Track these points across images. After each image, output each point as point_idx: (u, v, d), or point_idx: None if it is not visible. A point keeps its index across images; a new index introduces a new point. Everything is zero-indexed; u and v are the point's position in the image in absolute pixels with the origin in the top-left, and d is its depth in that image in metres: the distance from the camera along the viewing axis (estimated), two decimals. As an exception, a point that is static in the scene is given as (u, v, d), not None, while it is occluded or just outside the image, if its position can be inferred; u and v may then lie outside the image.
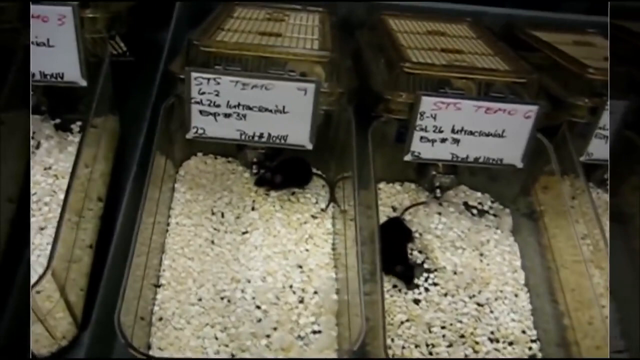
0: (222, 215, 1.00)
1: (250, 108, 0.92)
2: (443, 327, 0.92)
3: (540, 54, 1.10)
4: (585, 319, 0.92)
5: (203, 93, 0.91)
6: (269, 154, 1.02)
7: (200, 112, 0.93)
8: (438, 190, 1.02)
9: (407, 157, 0.96)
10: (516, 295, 0.97)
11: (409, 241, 0.98)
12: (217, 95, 0.91)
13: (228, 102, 0.92)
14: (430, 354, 0.90)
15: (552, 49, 1.09)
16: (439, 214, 1.04)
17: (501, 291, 0.97)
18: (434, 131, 0.94)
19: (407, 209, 1.05)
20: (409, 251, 0.99)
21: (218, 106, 0.92)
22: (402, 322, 0.92)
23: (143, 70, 1.10)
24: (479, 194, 1.08)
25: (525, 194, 1.05)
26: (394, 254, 0.95)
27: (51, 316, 0.74)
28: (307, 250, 0.97)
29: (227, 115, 0.93)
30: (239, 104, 0.92)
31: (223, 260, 0.95)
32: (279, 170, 1.02)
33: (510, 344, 0.92)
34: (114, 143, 0.99)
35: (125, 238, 0.87)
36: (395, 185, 1.07)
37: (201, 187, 1.03)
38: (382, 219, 1.02)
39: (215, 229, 0.98)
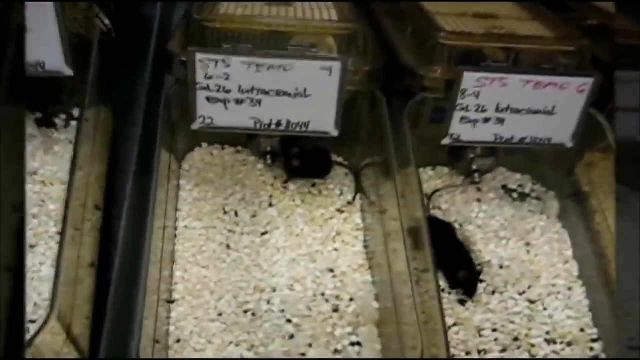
0: (236, 214, 0.88)
1: (265, 92, 0.80)
2: (494, 330, 0.82)
3: (579, 14, 0.99)
4: (648, 310, 0.83)
5: (210, 77, 0.78)
6: (284, 142, 0.89)
7: (207, 98, 0.80)
8: (476, 175, 0.92)
9: (446, 140, 0.85)
10: (570, 289, 0.87)
11: (455, 238, 0.87)
12: (226, 78, 0.78)
13: (239, 86, 0.79)
14: (483, 361, 0.80)
15: (593, 8, 0.98)
16: (478, 200, 0.93)
17: (553, 285, 0.87)
18: (476, 110, 0.83)
19: (434, 191, 0.93)
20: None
21: (228, 91, 0.79)
22: (449, 327, 0.82)
23: (131, 51, 0.96)
24: (518, 176, 0.98)
25: (569, 173, 0.95)
26: (452, 256, 0.84)
27: (55, 356, 0.62)
28: (335, 250, 0.86)
29: (238, 101, 0.80)
30: (252, 88, 0.79)
31: (242, 267, 0.83)
32: (297, 158, 0.90)
33: (569, 344, 0.83)
34: (108, 139, 0.86)
35: (132, 249, 0.76)
36: (426, 170, 0.96)
37: (209, 183, 0.91)
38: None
39: (229, 230, 0.86)
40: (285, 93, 0.80)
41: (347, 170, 0.93)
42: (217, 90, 0.79)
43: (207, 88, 0.79)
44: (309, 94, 0.80)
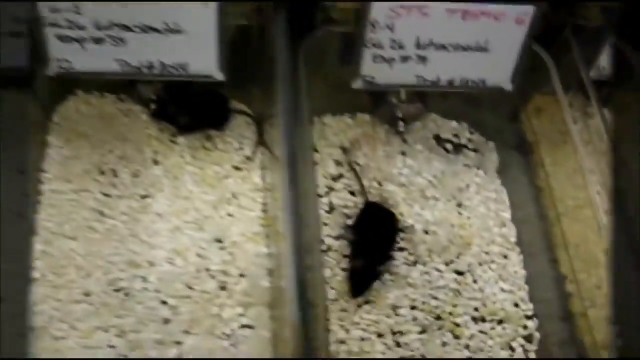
0: (115, 175, 0.74)
1: (129, 28, 0.65)
2: (413, 308, 0.70)
3: None
4: (593, 282, 0.71)
5: (58, 10, 0.64)
6: (172, 87, 0.75)
7: (60, 37, 0.65)
8: (401, 123, 0.78)
9: (357, 84, 0.71)
10: (506, 257, 0.75)
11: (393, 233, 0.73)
12: (77, 12, 0.64)
13: (96, 21, 0.64)
14: (398, 344, 0.69)
15: None
16: (403, 154, 0.80)
17: (487, 253, 0.74)
18: (392, 47, 0.68)
19: (353, 143, 0.79)
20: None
21: (83, 28, 0.65)
22: (359, 305, 0.70)
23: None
24: (453, 123, 0.83)
25: (513, 119, 0.81)
26: (365, 241, 0.71)
27: None
28: (229, 215, 0.73)
29: (98, 41, 0.66)
30: (112, 24, 0.65)
31: (117, 238, 0.70)
32: (185, 107, 0.76)
33: (500, 322, 0.71)
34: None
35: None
36: (344, 118, 0.81)
37: (84, 138, 0.76)
38: (329, 163, 0.77)
39: (105, 194, 0.73)
40: (153, 29, 0.65)
41: (249, 120, 0.79)
42: (70, 28, 0.65)
43: (56, 25, 0.64)
44: (183, 30, 0.65)
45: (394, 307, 0.70)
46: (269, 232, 0.71)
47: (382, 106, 0.77)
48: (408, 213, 0.75)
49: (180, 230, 0.71)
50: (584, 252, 0.72)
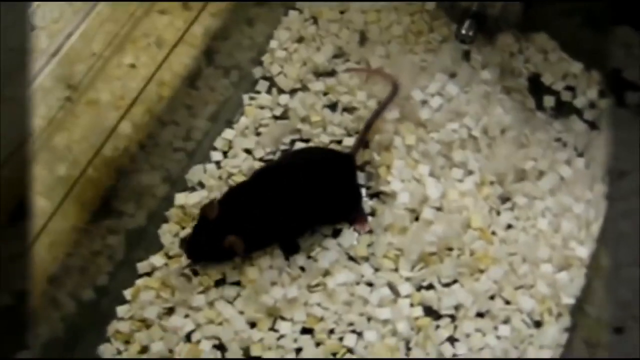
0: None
1: None
2: (306, 331, 0.37)
3: None
4: None
5: None
6: None
7: None
8: (469, 22, 0.42)
9: None
10: (537, 324, 0.37)
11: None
12: None
13: None
14: None
15: None
16: (452, 76, 0.43)
17: (488, 312, 0.37)
18: None
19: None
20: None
21: None
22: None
23: None
24: (576, 67, 0.44)
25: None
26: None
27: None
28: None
29: None
30: None
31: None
32: None
33: None
34: None
35: None
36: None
37: None
38: (328, 48, 0.45)
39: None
40: None
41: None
42: None
43: None
44: None
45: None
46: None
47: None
48: (401, 173, 0.40)
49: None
50: None
